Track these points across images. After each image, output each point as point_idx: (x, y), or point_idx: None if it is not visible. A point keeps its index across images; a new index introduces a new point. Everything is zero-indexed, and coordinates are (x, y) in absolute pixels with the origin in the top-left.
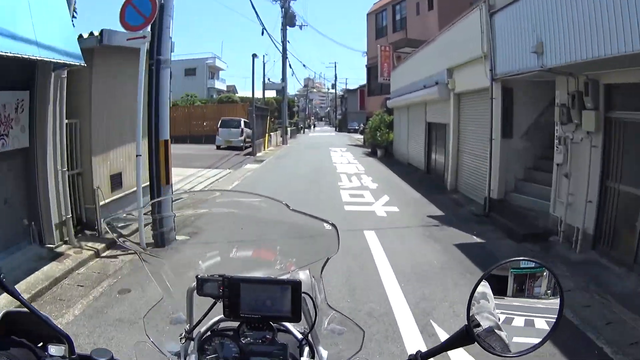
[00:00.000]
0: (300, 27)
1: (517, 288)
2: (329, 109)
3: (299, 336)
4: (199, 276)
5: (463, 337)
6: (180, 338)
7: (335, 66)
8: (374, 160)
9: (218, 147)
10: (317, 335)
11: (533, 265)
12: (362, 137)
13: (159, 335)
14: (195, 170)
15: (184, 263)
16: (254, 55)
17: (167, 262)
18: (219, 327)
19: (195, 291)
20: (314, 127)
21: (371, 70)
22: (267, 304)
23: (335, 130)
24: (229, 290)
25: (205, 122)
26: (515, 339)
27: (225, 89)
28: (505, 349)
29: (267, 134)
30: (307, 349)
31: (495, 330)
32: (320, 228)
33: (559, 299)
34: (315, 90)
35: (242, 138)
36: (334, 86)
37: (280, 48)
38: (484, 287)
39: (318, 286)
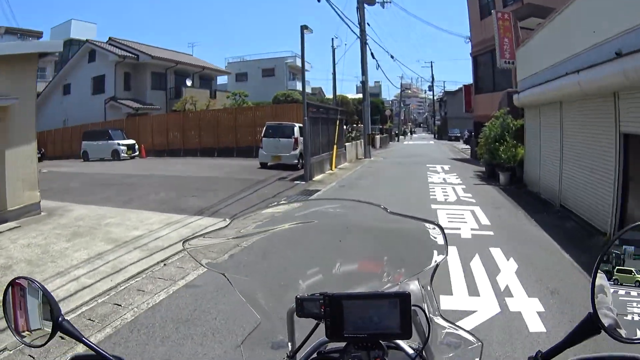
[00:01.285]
0: (382, 4)
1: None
2: (426, 114)
3: (412, 353)
4: (299, 296)
5: (588, 328)
6: None
7: (432, 66)
8: (498, 192)
9: (263, 165)
10: (431, 351)
11: None
12: (467, 147)
13: None
14: (153, 221)
15: (281, 283)
16: (304, 28)
17: (260, 283)
18: (324, 349)
19: (295, 312)
20: (412, 134)
21: (478, 60)
22: (373, 320)
23: (434, 137)
24: (330, 309)
25: (258, 128)
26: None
27: (310, 91)
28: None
29: (334, 146)
30: None
31: (616, 329)
32: (425, 230)
33: None
34: (410, 91)
35: (297, 152)
36: (430, 88)
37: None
38: (601, 280)
39: (429, 296)
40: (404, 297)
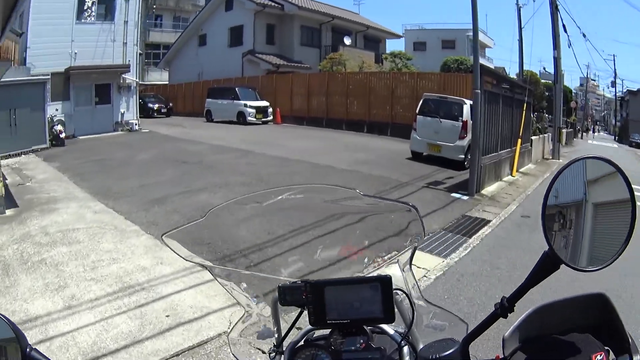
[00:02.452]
0: None
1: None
2: (604, 112)
3: (397, 337)
4: (281, 285)
5: (547, 265)
6: (269, 353)
7: (614, 60)
8: None
9: (415, 155)
10: (416, 335)
11: (603, 170)
12: None
13: (246, 353)
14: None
15: (263, 272)
16: None
17: (242, 273)
18: (310, 337)
19: (278, 301)
20: (594, 132)
21: None
22: (355, 306)
23: (615, 139)
24: (312, 296)
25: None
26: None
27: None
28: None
29: (519, 140)
30: (406, 349)
31: (574, 260)
32: (401, 213)
33: (630, 205)
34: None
35: (465, 143)
36: (613, 84)
37: None
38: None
39: (409, 279)
40: (385, 281)
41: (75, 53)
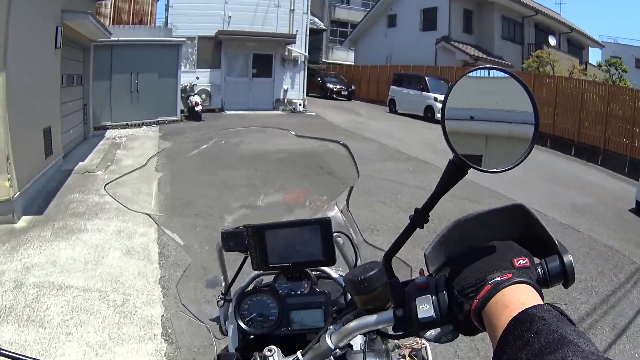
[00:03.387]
0: None
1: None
2: None
3: (341, 281)
4: (223, 230)
5: (455, 170)
6: (217, 301)
7: None
8: None
9: None
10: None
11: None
12: None
13: (195, 302)
14: None
15: (206, 219)
16: None
17: (186, 221)
18: (258, 283)
19: (222, 247)
20: None
21: None
22: (296, 249)
23: None
24: (254, 240)
25: (637, 129)
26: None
27: None
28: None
29: None
30: None
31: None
32: (335, 153)
33: (531, 106)
34: None
35: None
36: None
37: None
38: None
39: (349, 221)
40: (324, 223)
41: (229, 16)
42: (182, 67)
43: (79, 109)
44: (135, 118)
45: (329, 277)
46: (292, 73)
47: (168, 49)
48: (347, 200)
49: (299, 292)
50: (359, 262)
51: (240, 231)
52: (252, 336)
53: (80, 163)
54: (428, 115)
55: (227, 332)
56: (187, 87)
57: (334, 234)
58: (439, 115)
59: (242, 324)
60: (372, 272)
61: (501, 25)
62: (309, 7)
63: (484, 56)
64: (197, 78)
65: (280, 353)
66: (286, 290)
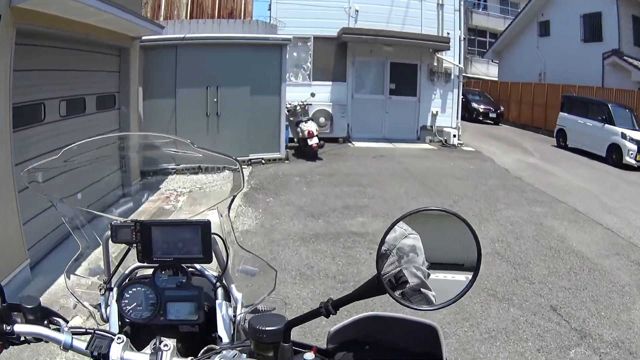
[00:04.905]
0: None
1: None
2: None
3: (213, 279)
4: (113, 223)
5: (374, 288)
6: (99, 289)
7: None
8: None
9: None
10: (230, 277)
11: (438, 214)
12: None
13: (80, 288)
14: None
15: (98, 211)
16: None
17: (79, 210)
18: (137, 274)
19: (110, 238)
20: None
21: None
22: (179, 246)
23: None
24: (141, 234)
25: None
26: (435, 292)
27: None
28: (421, 301)
29: None
30: (221, 291)
31: (422, 289)
32: (226, 165)
33: (476, 252)
34: None
35: None
36: None
37: None
38: (415, 240)
39: (227, 225)
40: (204, 224)
41: (357, 11)
42: (290, 79)
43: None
44: (210, 159)
45: (202, 274)
46: (443, 91)
47: (267, 52)
48: (229, 207)
49: (175, 285)
50: (229, 263)
51: (129, 225)
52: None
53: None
54: (613, 157)
55: (107, 318)
56: (298, 107)
57: (213, 235)
58: (629, 159)
59: (122, 312)
60: (273, 328)
61: None
62: (462, 4)
63: None
64: (312, 95)
65: (175, 350)
66: (164, 283)
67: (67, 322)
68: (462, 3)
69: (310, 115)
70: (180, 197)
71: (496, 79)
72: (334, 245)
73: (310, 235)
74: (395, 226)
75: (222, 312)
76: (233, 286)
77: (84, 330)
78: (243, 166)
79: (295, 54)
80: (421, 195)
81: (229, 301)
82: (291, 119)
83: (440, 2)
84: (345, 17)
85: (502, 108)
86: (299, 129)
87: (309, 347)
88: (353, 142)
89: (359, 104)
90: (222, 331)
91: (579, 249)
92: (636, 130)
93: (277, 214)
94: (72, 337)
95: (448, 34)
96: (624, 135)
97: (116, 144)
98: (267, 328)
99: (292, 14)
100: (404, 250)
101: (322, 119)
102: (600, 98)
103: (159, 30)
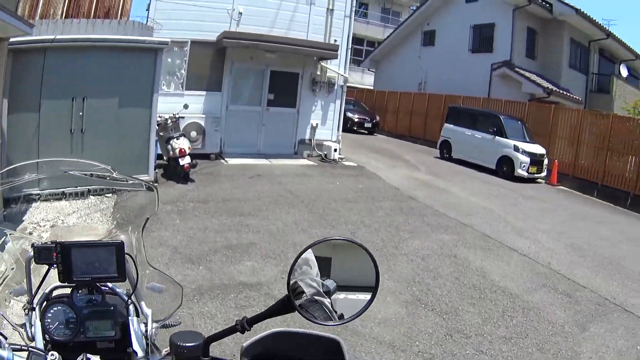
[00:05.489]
0: None
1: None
2: None
3: (124, 296)
4: (35, 244)
5: (285, 306)
6: (24, 309)
7: None
8: None
9: None
10: (140, 295)
11: (342, 243)
12: None
13: (7, 308)
14: None
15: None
16: None
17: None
18: (56, 293)
19: (33, 259)
20: None
21: None
22: (95, 266)
23: None
24: (62, 255)
25: None
26: (338, 308)
27: None
28: (327, 318)
29: None
30: (132, 308)
31: (317, 298)
32: (141, 191)
33: (374, 274)
34: None
35: None
36: None
37: None
38: (308, 254)
39: (138, 246)
40: (118, 245)
41: (240, 13)
42: (163, 88)
43: None
44: (76, 181)
45: (114, 292)
46: (325, 102)
47: (140, 57)
48: (142, 228)
49: (92, 303)
50: (138, 282)
51: (50, 246)
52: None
53: None
54: (504, 169)
55: (33, 337)
56: (169, 121)
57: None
58: (520, 171)
59: (45, 331)
60: (193, 344)
61: (569, 50)
62: (354, 8)
63: (555, 89)
64: (186, 107)
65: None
66: (81, 302)
67: (6, 338)
68: (353, 9)
69: (181, 130)
70: (44, 234)
71: (371, 87)
72: (223, 305)
73: (192, 291)
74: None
75: (135, 327)
76: (143, 303)
77: (19, 347)
78: (107, 195)
79: (169, 60)
80: (313, 227)
81: (139, 317)
82: (161, 134)
83: (331, 7)
84: (228, 20)
85: (377, 117)
86: (169, 147)
87: None
88: (226, 159)
89: (234, 116)
90: (136, 346)
91: (504, 285)
92: (527, 142)
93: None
94: (13, 354)
95: (335, 41)
96: (516, 148)
97: None
98: (187, 344)
99: (171, 15)
100: (298, 264)
101: (193, 133)
102: (491, 110)
103: (27, 30)
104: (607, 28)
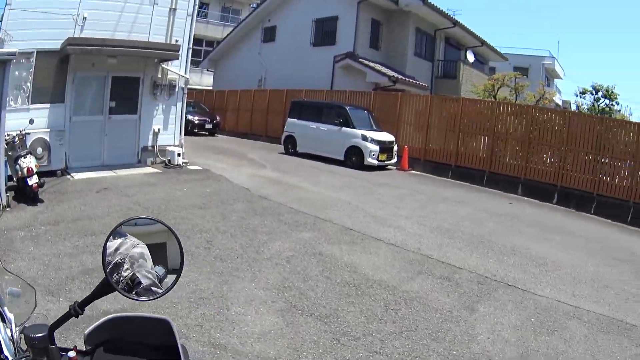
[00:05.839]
0: None
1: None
2: None
3: None
4: None
5: (105, 287)
6: None
7: None
8: None
9: None
10: (2, 301)
11: (151, 223)
12: None
13: None
14: None
15: None
16: None
17: None
18: None
19: None
20: None
21: None
22: None
23: None
24: None
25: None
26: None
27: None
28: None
29: None
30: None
31: (153, 288)
32: None
33: (179, 251)
34: None
35: None
36: None
37: None
38: (143, 249)
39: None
40: None
41: (85, 18)
42: (10, 104)
43: None
44: None
45: None
46: (166, 106)
47: None
48: None
49: None
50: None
51: None
52: None
53: None
54: (352, 159)
55: None
56: (16, 139)
57: None
58: (370, 160)
59: None
60: (40, 335)
61: (415, 39)
62: (196, 6)
63: (400, 77)
64: (31, 122)
65: None
66: None
67: None
68: (195, 7)
69: (28, 147)
70: None
71: (211, 88)
72: None
73: (59, 331)
74: (126, 239)
75: (2, 334)
76: (5, 308)
77: None
78: None
79: (17, 73)
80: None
81: (5, 323)
82: (10, 153)
83: (173, 7)
84: (72, 27)
85: (218, 118)
86: (17, 166)
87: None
88: (72, 174)
89: (78, 128)
90: (6, 351)
91: (379, 278)
92: (375, 130)
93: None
94: None
95: (177, 41)
96: (364, 137)
97: None
98: (36, 335)
99: (20, 25)
100: (135, 258)
101: (39, 150)
102: (336, 101)
103: None
104: (453, 17)
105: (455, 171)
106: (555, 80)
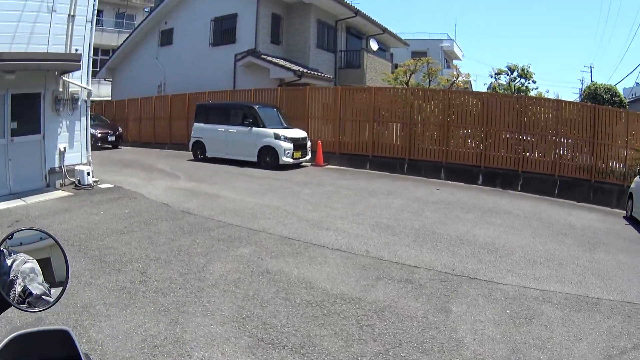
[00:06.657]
0: None
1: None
2: None
3: None
4: None
5: (1, 305)
6: None
7: None
8: None
9: None
10: None
11: (36, 233)
12: None
13: None
14: None
15: None
16: None
17: None
18: None
19: None
20: None
21: None
22: None
23: None
24: None
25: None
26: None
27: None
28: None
29: None
30: None
31: (44, 297)
32: None
33: (64, 263)
34: None
35: None
36: None
37: None
38: (33, 264)
39: None
40: None
41: None
42: None
43: None
44: None
45: None
46: (70, 122)
47: None
48: None
49: None
50: None
51: None
52: None
53: None
54: (267, 160)
55: None
56: None
57: None
58: (285, 159)
59: None
60: None
61: (317, 31)
62: (95, 11)
63: (305, 70)
64: None
65: None
66: None
67: None
68: (95, 13)
69: None
70: None
71: (109, 98)
72: None
73: None
74: (17, 255)
75: None
76: None
77: None
78: None
79: None
80: (97, 276)
81: None
82: None
83: (72, 13)
84: None
85: (120, 129)
86: None
87: None
88: None
89: None
90: None
91: (339, 290)
92: (286, 127)
93: None
94: None
95: (77, 50)
96: (277, 136)
97: None
98: None
99: None
100: (26, 272)
101: None
102: (243, 101)
103: None
104: (354, 6)
105: (374, 161)
106: (454, 61)
